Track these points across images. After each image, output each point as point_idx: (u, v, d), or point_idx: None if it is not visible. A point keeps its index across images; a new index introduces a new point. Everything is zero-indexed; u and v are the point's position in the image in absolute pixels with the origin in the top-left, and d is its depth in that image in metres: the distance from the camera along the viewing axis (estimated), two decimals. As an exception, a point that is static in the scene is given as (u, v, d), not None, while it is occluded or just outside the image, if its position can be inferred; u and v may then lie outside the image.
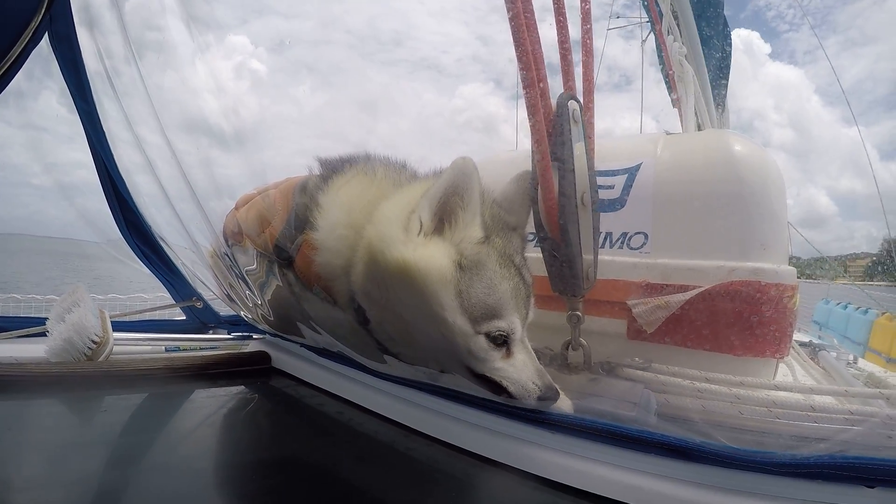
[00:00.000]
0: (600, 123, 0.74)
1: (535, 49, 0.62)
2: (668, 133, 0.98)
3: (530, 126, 0.62)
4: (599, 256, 0.76)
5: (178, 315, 1.56)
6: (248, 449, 0.77)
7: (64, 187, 1.34)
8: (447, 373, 0.69)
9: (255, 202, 0.83)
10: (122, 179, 1.31)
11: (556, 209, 0.64)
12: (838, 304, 6.69)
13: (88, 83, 1.28)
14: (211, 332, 1.48)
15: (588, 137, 0.68)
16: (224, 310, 1.48)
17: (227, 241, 0.94)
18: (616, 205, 0.87)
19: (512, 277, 0.62)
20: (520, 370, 0.62)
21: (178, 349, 1.26)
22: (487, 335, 0.60)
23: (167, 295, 1.49)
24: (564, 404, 0.63)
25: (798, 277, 0.82)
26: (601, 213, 0.80)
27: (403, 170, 0.76)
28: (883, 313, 5.40)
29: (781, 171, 0.90)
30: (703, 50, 2.70)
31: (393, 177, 0.73)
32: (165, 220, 1.27)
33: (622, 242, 0.87)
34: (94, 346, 0.98)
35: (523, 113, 0.65)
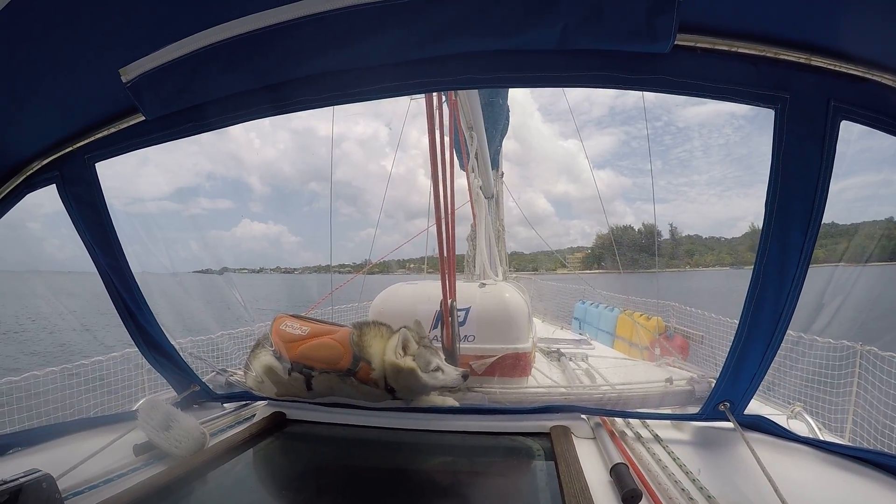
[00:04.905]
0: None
1: (449, 284, 1.78)
2: (482, 286, 2.24)
3: (442, 311, 1.76)
4: (462, 345, 1.95)
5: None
6: (315, 459, 1.50)
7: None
8: (418, 399, 1.71)
9: (321, 344, 1.57)
10: (141, 306, 1.53)
11: (451, 341, 1.77)
12: (591, 303, 7.99)
13: (118, 240, 1.37)
14: (197, 406, 1.81)
15: (455, 312, 1.85)
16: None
17: (278, 354, 1.74)
18: (463, 322, 2.06)
19: (429, 353, 1.61)
20: (448, 373, 1.62)
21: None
22: (430, 374, 1.59)
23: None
24: (451, 403, 1.73)
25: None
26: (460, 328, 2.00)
27: (389, 328, 1.63)
28: (624, 310, 6.87)
29: (527, 302, 2.23)
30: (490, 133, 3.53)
31: (386, 334, 1.59)
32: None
33: (466, 339, 2.05)
34: (205, 436, 1.37)
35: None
